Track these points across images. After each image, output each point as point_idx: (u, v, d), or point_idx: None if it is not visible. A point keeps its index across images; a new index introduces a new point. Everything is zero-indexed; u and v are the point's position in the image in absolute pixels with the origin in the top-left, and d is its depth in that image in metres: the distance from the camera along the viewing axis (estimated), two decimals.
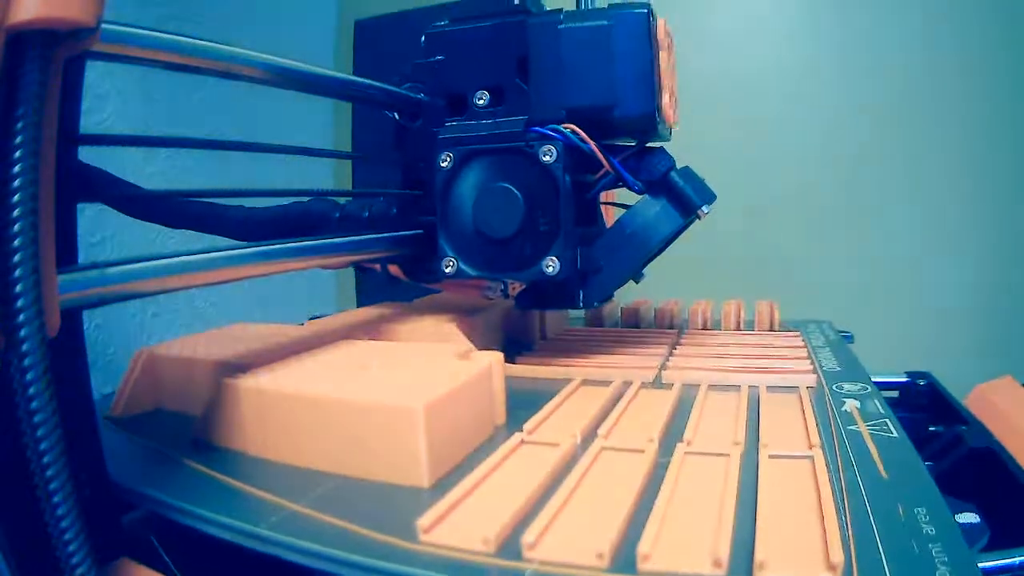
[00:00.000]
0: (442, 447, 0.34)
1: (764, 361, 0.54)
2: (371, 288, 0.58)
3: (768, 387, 0.49)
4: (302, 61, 0.42)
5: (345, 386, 0.36)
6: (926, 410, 0.65)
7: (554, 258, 0.49)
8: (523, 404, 0.44)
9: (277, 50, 0.40)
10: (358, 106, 0.58)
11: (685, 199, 0.51)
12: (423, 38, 0.54)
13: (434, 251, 0.52)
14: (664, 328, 0.71)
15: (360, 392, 0.35)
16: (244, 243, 0.38)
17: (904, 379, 0.68)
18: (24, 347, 0.22)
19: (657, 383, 0.51)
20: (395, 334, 0.55)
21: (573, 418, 0.42)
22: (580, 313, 0.81)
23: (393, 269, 0.57)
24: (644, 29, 0.48)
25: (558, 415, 0.43)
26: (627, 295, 0.68)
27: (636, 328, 0.72)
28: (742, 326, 0.70)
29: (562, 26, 0.50)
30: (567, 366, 0.54)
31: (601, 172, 0.52)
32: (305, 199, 0.54)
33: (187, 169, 0.90)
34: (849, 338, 0.69)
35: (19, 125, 0.22)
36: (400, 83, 0.54)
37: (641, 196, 0.52)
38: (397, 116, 0.55)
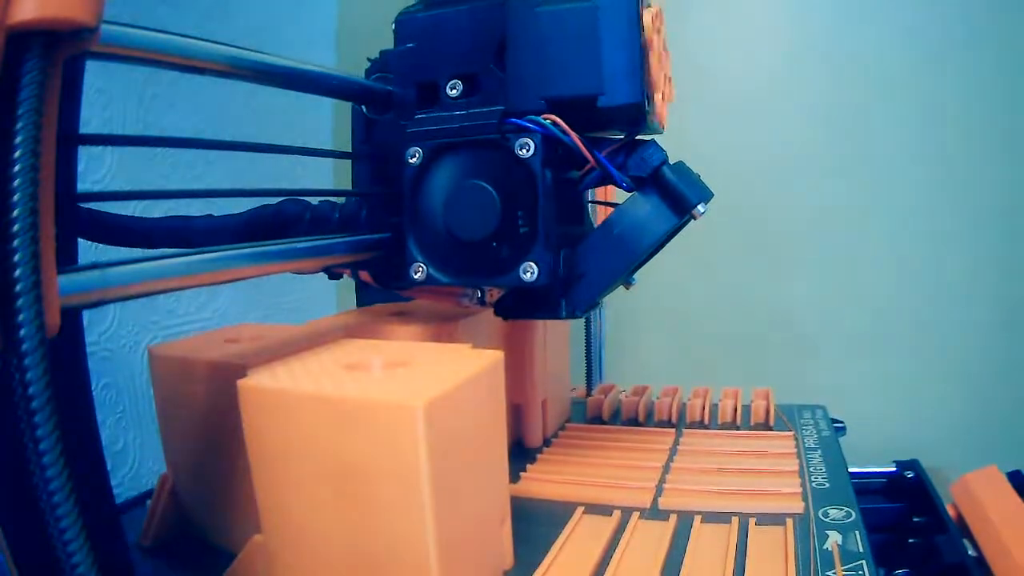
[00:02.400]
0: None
1: (755, 479, 0.62)
2: (371, 289, 0.61)
3: (757, 520, 0.55)
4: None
5: (344, 385, 0.40)
6: (912, 499, 0.74)
7: (532, 263, 0.50)
8: (531, 536, 0.52)
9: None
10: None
11: (679, 197, 0.52)
12: (393, 25, 0.56)
13: (403, 255, 0.54)
14: (663, 426, 0.79)
15: (359, 391, 0.39)
16: (238, 246, 0.41)
17: (892, 469, 0.78)
18: (24, 347, 0.26)
19: (654, 511, 0.58)
20: (390, 336, 0.59)
21: (576, 564, 0.49)
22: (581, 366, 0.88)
23: (363, 275, 0.59)
24: (633, 11, 0.49)
25: (562, 559, 0.50)
26: (624, 311, 0.72)
27: (636, 426, 0.80)
28: (739, 420, 0.79)
29: (542, 8, 0.50)
30: (571, 484, 0.62)
31: (586, 168, 0.53)
32: (276, 200, 0.56)
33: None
34: (842, 431, 0.77)
35: (19, 125, 0.26)
36: (369, 73, 0.57)
37: (630, 194, 0.53)
38: (364, 109, 0.57)
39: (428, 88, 0.55)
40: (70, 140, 0.32)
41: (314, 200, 0.58)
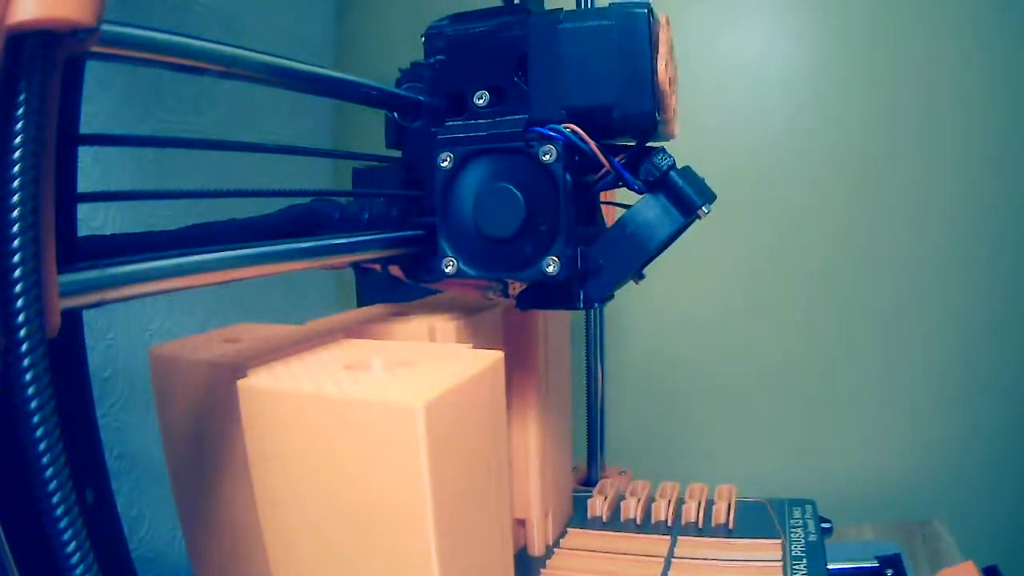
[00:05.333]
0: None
1: None
2: (371, 289, 0.58)
3: None
4: (304, 61, 0.42)
5: (344, 385, 0.36)
6: None
7: (554, 258, 0.49)
8: None
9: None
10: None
11: (685, 198, 0.50)
12: (423, 38, 0.54)
13: (434, 251, 0.52)
14: (660, 530, 0.75)
15: (359, 391, 0.36)
16: (245, 244, 0.38)
17: (874, 565, 0.77)
18: (24, 347, 0.23)
19: None
20: (390, 336, 0.56)
21: None
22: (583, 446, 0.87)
23: (393, 269, 0.57)
24: (644, 29, 0.48)
25: None
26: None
27: (633, 531, 0.76)
28: (731, 523, 0.75)
29: (562, 26, 0.50)
30: None
31: (601, 172, 0.52)
32: (305, 200, 0.54)
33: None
34: (829, 531, 0.74)
35: (19, 125, 0.23)
36: (399, 83, 0.55)
37: (641, 196, 0.52)
38: (396, 116, 0.55)
39: (457, 98, 0.53)
40: (70, 140, 0.29)
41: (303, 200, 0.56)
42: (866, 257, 1.07)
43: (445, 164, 0.51)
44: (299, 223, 0.53)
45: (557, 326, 0.73)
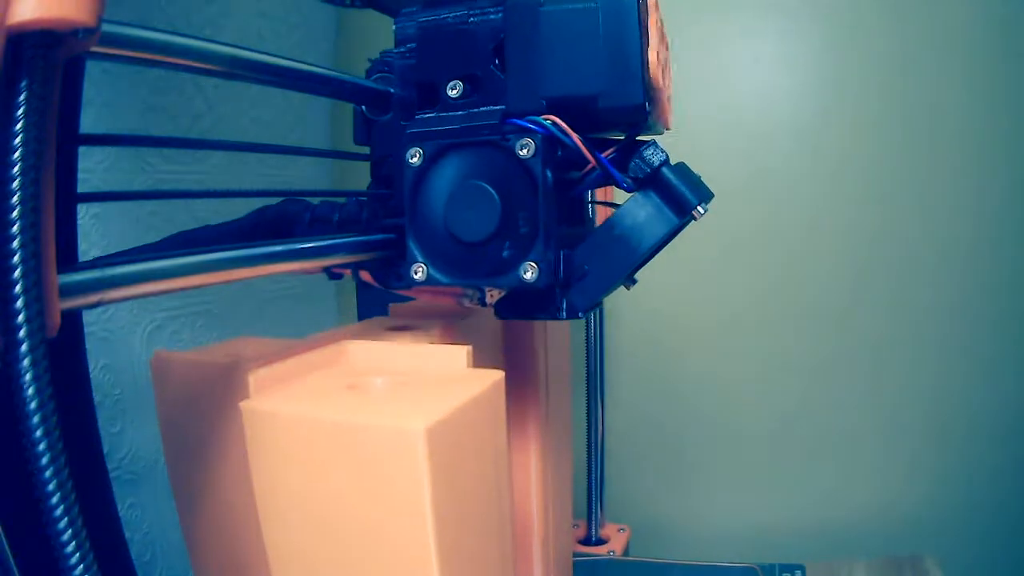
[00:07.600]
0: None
1: None
2: (372, 300, 0.60)
3: None
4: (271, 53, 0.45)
5: (345, 408, 0.40)
6: None
7: (533, 263, 0.50)
8: None
9: None
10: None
11: (679, 197, 0.51)
12: (394, 26, 0.56)
13: (404, 255, 0.53)
14: None
15: (361, 415, 0.39)
16: (239, 245, 0.41)
17: None
18: (24, 347, 0.26)
19: None
20: (391, 349, 0.57)
21: None
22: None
23: (364, 275, 0.58)
24: (633, 12, 0.49)
25: None
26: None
27: None
28: None
29: (544, 8, 0.50)
30: None
31: (586, 168, 0.53)
32: (278, 201, 0.56)
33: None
34: None
35: (19, 125, 0.26)
36: (370, 73, 0.57)
37: (631, 194, 0.53)
38: (365, 110, 0.57)
39: (429, 89, 0.55)
40: (70, 140, 0.32)
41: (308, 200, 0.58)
42: (863, 296, 1.14)
43: (414, 160, 0.52)
44: (272, 225, 0.55)
45: (556, 334, 0.76)
